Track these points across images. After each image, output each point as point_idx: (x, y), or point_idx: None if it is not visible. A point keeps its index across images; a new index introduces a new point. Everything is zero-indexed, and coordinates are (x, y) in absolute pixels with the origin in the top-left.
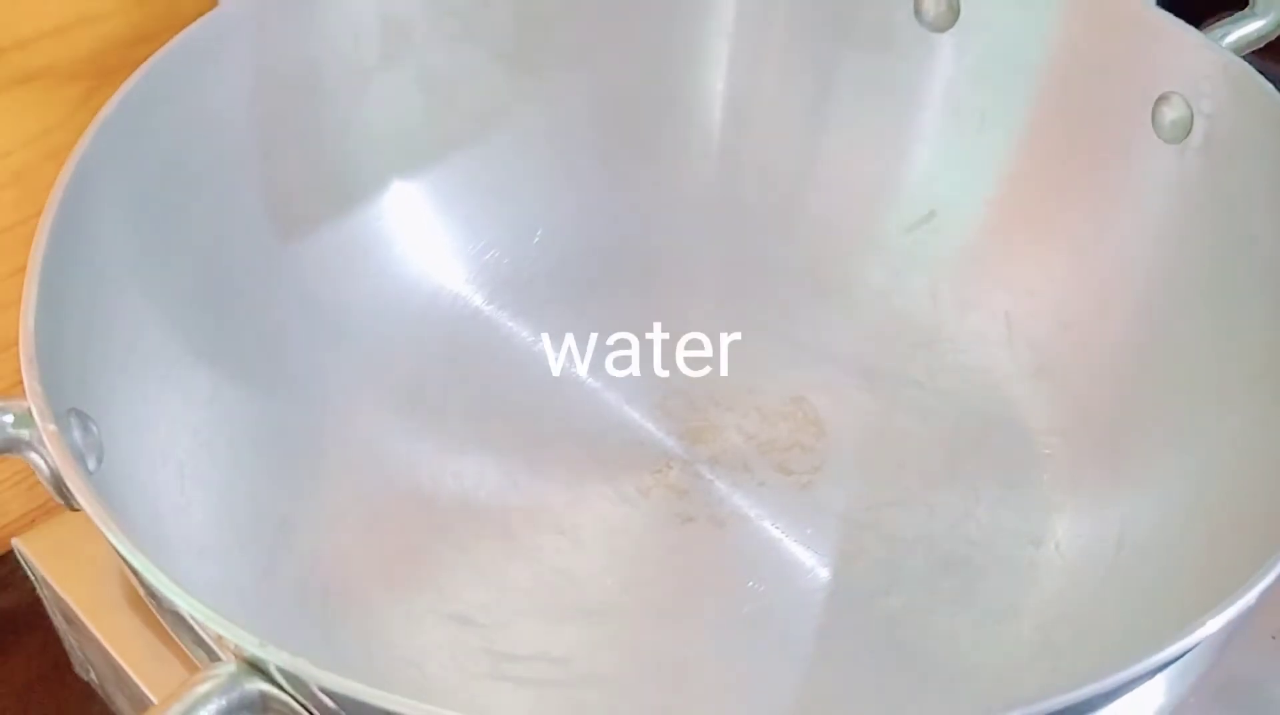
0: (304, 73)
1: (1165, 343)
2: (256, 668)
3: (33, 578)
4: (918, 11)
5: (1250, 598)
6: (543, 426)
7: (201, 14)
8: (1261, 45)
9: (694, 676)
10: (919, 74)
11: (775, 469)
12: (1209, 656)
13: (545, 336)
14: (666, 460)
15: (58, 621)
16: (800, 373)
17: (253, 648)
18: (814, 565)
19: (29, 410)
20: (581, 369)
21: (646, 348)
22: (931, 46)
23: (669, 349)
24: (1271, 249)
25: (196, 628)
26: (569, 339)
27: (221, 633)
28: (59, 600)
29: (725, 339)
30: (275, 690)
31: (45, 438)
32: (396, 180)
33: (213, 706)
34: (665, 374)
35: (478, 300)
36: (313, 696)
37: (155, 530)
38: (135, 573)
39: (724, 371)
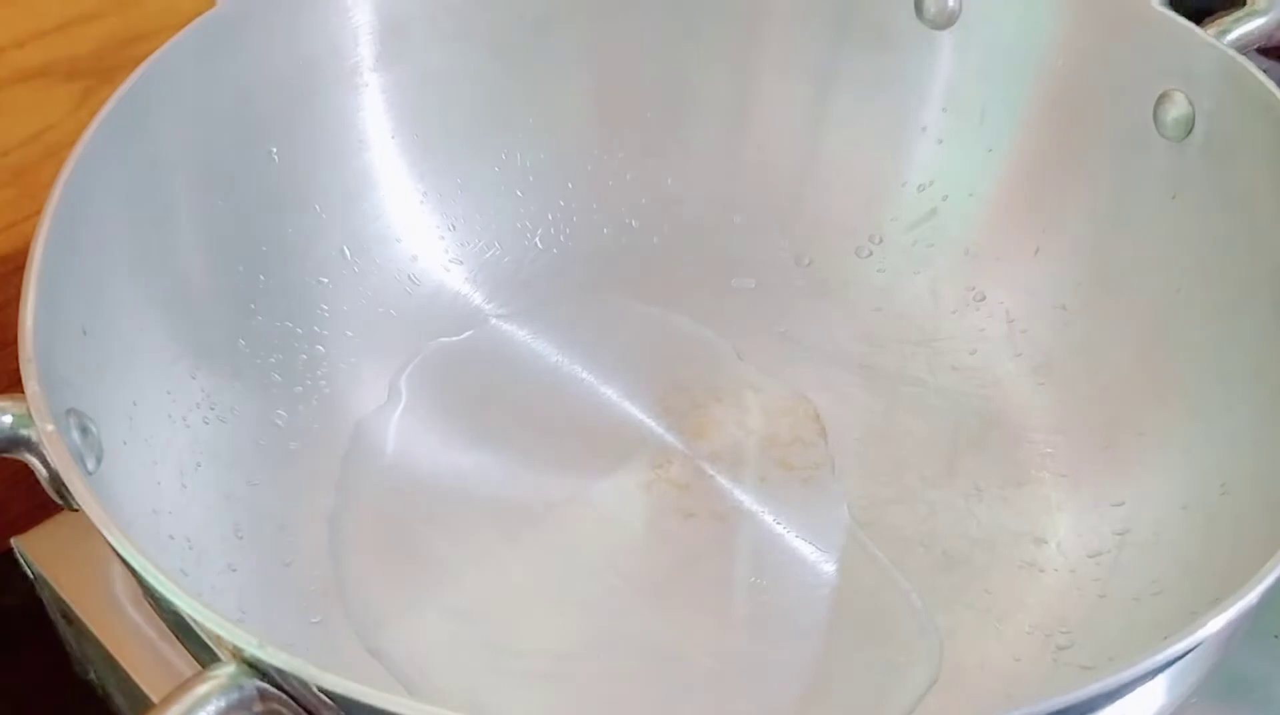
0: (303, 72)
1: (1166, 341)
2: (256, 668)
3: (32, 578)
4: (919, 9)
5: (1252, 597)
6: (543, 423)
7: (200, 13)
8: (1263, 43)
9: (695, 671)
10: (920, 72)
11: (776, 464)
12: (1211, 656)
13: (545, 335)
14: (668, 456)
15: (57, 621)
16: (801, 370)
17: (252, 648)
18: (815, 561)
19: (27, 410)
20: (582, 366)
21: (647, 346)
22: (932, 44)
23: (669, 347)
24: (1272, 246)
25: (196, 628)
26: (568, 337)
27: (220, 633)
28: (58, 600)
29: (726, 338)
30: (274, 690)
31: (44, 438)
32: (397, 179)
33: (212, 707)
34: (666, 372)
35: (478, 298)
36: (312, 697)
37: (154, 530)
38: (134, 573)
39: (724, 369)
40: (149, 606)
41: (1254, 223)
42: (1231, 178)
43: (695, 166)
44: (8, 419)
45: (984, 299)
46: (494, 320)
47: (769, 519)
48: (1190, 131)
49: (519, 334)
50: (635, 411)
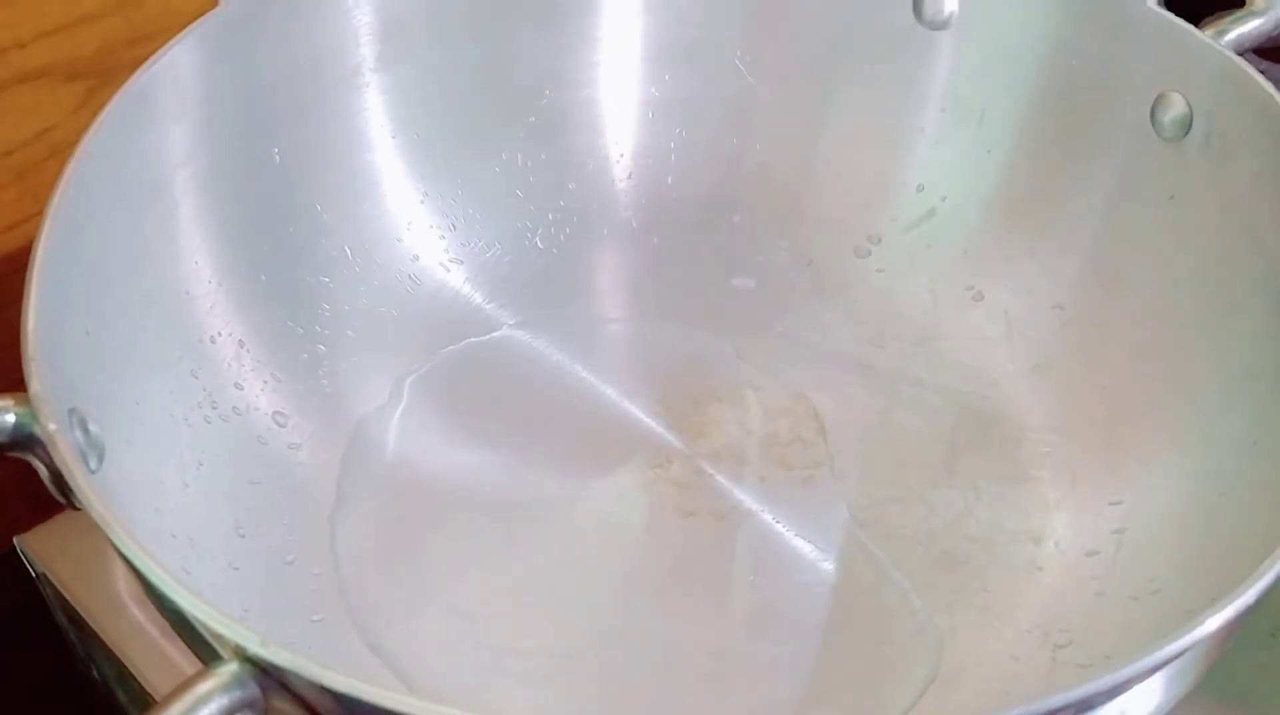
0: (305, 73)
1: (1164, 341)
2: (258, 666)
3: (35, 576)
4: (917, 10)
5: (1249, 596)
6: (543, 422)
7: (201, 14)
8: (1260, 44)
9: (694, 671)
10: (918, 73)
11: (776, 464)
12: (1208, 655)
13: (545, 334)
14: (668, 455)
15: (60, 620)
16: (801, 370)
17: (254, 647)
18: (814, 560)
19: (30, 409)
20: (582, 366)
21: (647, 346)
22: (931, 45)
23: (669, 347)
24: (1271, 247)
25: (198, 626)
26: (569, 336)
27: (223, 632)
28: (61, 599)
29: (725, 337)
30: (277, 689)
31: (47, 437)
32: (397, 179)
33: (214, 706)
34: (666, 371)
35: (478, 298)
36: (314, 694)
37: (156, 529)
38: (137, 572)
39: (725, 369)
40: (151, 605)
41: (1251, 223)
42: (1229, 178)
43: (695, 166)
44: (10, 418)
45: (982, 299)
46: (495, 319)
47: (769, 518)
48: (1188, 132)
49: (519, 334)
50: (635, 411)
